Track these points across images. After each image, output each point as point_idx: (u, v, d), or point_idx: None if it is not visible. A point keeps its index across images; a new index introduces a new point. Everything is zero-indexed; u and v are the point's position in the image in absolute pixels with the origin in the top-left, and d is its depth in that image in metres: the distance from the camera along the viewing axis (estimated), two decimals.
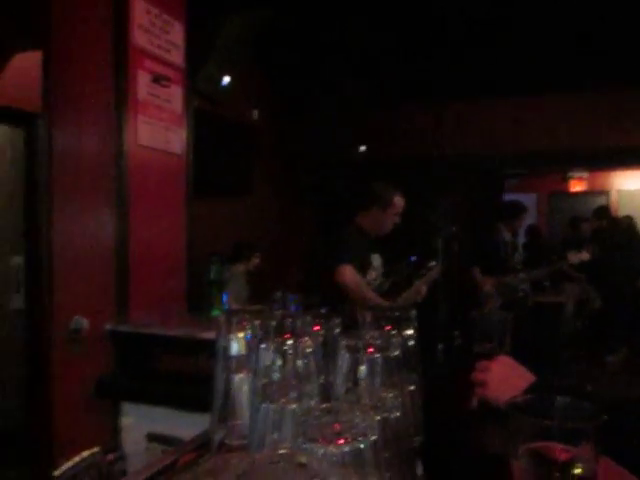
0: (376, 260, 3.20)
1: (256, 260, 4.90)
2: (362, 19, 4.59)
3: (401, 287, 3.34)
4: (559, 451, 0.57)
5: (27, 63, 2.91)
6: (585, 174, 9.34)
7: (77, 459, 1.10)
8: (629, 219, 6.69)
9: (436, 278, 3.54)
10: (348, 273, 2.89)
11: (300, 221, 6.67)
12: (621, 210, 8.27)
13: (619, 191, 9.20)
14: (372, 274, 3.14)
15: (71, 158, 2.63)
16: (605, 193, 9.27)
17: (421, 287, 3.32)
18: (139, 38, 2.55)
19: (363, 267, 3.05)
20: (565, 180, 9.43)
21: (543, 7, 4.34)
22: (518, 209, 5.27)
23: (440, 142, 6.45)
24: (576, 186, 9.47)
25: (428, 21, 4.65)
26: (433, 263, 3.60)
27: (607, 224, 6.49)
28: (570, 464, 0.57)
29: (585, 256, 5.23)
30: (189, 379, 2.16)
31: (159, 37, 2.66)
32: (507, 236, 5.16)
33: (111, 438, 2.35)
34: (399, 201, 3.21)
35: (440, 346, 3.51)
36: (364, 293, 2.94)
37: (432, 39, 4.93)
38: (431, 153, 6.48)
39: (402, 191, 3.27)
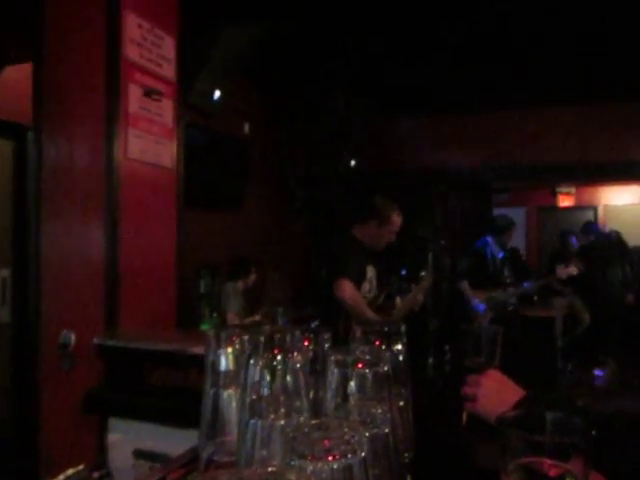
0: (370, 272, 3.19)
1: (253, 276, 4.89)
2: (353, 36, 4.64)
3: (394, 301, 3.33)
4: (549, 466, 0.57)
5: (18, 75, 2.91)
6: (573, 189, 9.45)
7: (62, 477, 1.08)
8: (617, 233, 6.75)
9: (428, 287, 3.55)
10: (348, 289, 2.86)
11: (292, 234, 6.67)
12: (608, 225, 8.36)
13: (606, 206, 9.31)
14: (366, 286, 3.13)
15: (61, 171, 2.62)
16: (593, 208, 9.38)
17: (417, 295, 3.32)
18: (131, 52, 2.56)
19: (359, 279, 3.04)
20: (554, 195, 9.53)
21: (533, 22, 4.41)
22: (507, 224, 5.31)
23: (431, 156, 6.50)
24: (564, 201, 9.56)
25: (418, 35, 4.70)
26: (423, 273, 3.61)
27: (595, 239, 6.55)
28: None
29: (573, 270, 5.27)
30: (178, 395, 2.14)
31: (151, 51, 2.67)
32: (496, 250, 5.19)
33: (98, 454, 2.31)
34: (396, 219, 3.20)
35: (430, 360, 3.50)
36: (362, 309, 2.91)
37: (423, 53, 4.98)
38: (422, 166, 6.52)
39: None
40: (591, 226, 6.92)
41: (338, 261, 3.00)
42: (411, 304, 3.27)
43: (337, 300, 2.85)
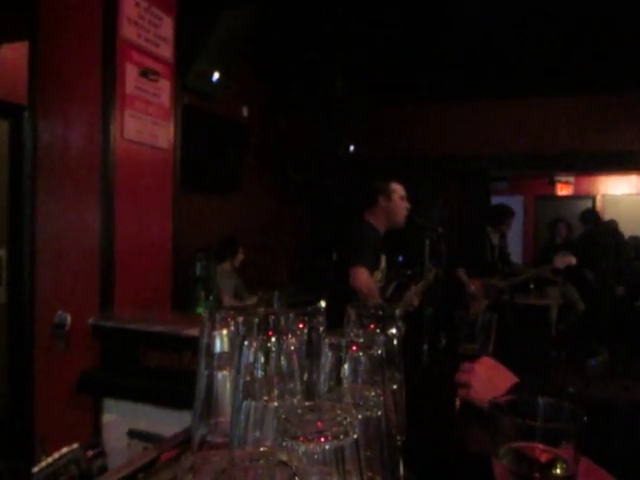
0: (383, 261, 3.19)
1: (240, 256, 4.88)
2: (354, 18, 4.59)
3: (402, 293, 3.34)
4: (540, 451, 0.57)
5: (13, 54, 2.87)
6: (571, 178, 9.45)
7: (56, 455, 1.09)
8: (614, 223, 6.75)
9: (431, 283, 3.55)
10: (363, 277, 2.87)
11: (289, 219, 6.66)
12: (606, 214, 8.37)
13: (604, 196, 9.32)
14: (378, 275, 3.13)
15: (57, 151, 2.60)
16: (591, 197, 9.38)
17: (415, 296, 3.33)
18: (127, 31, 2.53)
19: (373, 268, 3.04)
20: (552, 184, 9.52)
21: (532, 9, 4.37)
22: (505, 213, 5.30)
23: (429, 143, 6.48)
24: (563, 190, 9.57)
25: (416, 23, 4.66)
26: (430, 265, 3.60)
27: (594, 227, 6.54)
28: (551, 465, 0.57)
29: (571, 260, 5.28)
30: (172, 376, 2.15)
31: (148, 30, 2.64)
32: (495, 239, 5.20)
33: (92, 434, 2.32)
34: (397, 186, 3.23)
35: (425, 347, 3.52)
36: (376, 299, 2.92)
37: (420, 40, 4.94)
38: (419, 154, 6.50)
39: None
40: (591, 214, 6.89)
41: (355, 249, 2.99)
42: (407, 305, 3.28)
43: (350, 287, 2.84)
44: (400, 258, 4.59)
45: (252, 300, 4.56)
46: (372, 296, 2.88)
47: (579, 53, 4.99)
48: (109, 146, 2.48)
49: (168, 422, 1.73)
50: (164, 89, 2.77)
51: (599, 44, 4.81)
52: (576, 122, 6.18)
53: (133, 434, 2.16)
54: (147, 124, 2.66)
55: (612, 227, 6.67)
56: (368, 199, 3.23)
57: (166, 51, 2.78)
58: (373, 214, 3.18)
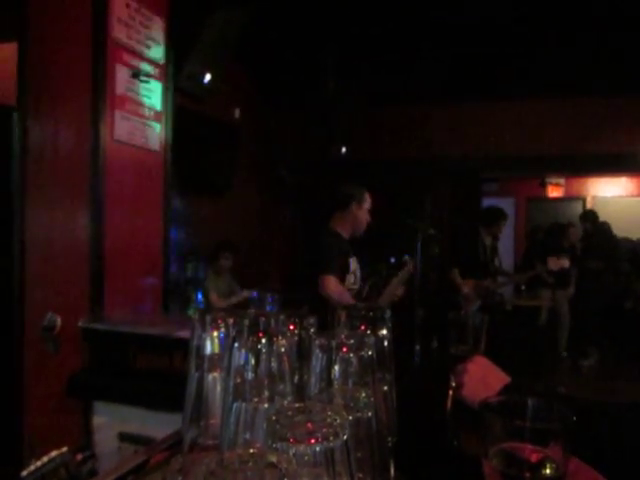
0: (353, 264, 3.20)
1: (223, 261, 4.76)
2: (346, 19, 4.60)
3: (379, 290, 3.34)
4: (530, 451, 0.57)
5: (2, 55, 2.85)
6: (562, 180, 9.49)
7: (45, 459, 1.08)
8: (607, 225, 6.80)
9: (411, 273, 3.54)
10: (332, 285, 2.89)
11: (281, 221, 6.66)
12: None
13: (594, 197, 9.37)
14: (350, 278, 3.14)
15: (46, 153, 2.58)
16: (581, 199, 9.43)
17: (397, 287, 3.33)
18: (118, 32, 2.51)
19: (343, 273, 3.05)
20: (543, 185, 9.56)
21: (522, 10, 4.40)
22: (497, 216, 5.30)
23: (419, 144, 6.50)
24: (553, 192, 9.61)
25: (414, 23, 4.67)
26: (406, 257, 3.60)
27: (590, 227, 6.61)
28: (540, 465, 0.57)
29: (565, 263, 5.29)
30: (163, 378, 2.14)
31: (139, 32, 2.63)
32: (487, 240, 5.21)
33: (82, 437, 2.31)
34: (368, 196, 3.27)
35: (417, 347, 3.53)
36: (349, 303, 2.92)
37: (411, 41, 4.96)
38: (411, 155, 6.52)
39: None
40: (590, 213, 7.00)
41: (321, 258, 3.01)
42: (391, 297, 3.28)
43: (323, 296, 2.86)
44: (392, 259, 4.59)
45: (237, 298, 4.53)
46: (344, 301, 2.89)
47: (571, 55, 5.03)
48: (99, 148, 2.46)
49: (159, 424, 1.72)
50: (155, 90, 2.76)
51: (592, 47, 4.84)
52: (567, 124, 6.21)
53: (124, 437, 2.15)
54: (138, 125, 2.65)
55: (605, 228, 6.73)
56: (340, 203, 3.23)
57: (157, 52, 2.77)
58: (341, 219, 3.18)
